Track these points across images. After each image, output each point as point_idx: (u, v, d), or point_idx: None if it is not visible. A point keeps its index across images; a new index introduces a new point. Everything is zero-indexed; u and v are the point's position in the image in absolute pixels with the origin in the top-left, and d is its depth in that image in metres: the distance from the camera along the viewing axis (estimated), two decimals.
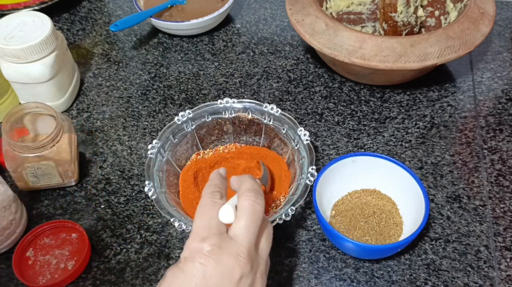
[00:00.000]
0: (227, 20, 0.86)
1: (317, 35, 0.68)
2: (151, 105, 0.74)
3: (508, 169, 0.64)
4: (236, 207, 0.44)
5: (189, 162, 0.64)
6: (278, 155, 0.64)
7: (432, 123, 0.69)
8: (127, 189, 0.64)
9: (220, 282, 0.41)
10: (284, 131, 0.62)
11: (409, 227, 0.56)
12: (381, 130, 0.69)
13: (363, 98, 0.73)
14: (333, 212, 0.59)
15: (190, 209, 0.59)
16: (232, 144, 0.66)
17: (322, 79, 0.76)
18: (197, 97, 0.75)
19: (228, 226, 0.44)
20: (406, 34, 0.73)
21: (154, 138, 0.61)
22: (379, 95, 0.74)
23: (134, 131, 0.71)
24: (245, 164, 0.64)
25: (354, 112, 0.72)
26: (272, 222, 0.54)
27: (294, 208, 0.54)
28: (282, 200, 0.60)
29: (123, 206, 0.63)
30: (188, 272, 0.41)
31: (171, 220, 0.54)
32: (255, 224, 0.43)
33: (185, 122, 0.63)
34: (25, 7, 0.84)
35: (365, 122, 0.70)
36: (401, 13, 0.70)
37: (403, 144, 0.67)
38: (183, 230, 0.53)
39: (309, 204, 0.61)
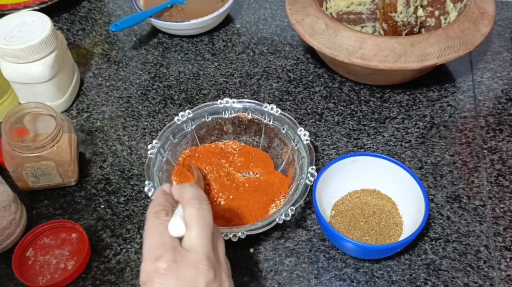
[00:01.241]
0: (227, 20, 0.86)
1: (317, 35, 0.68)
2: (151, 105, 0.74)
3: (508, 169, 0.64)
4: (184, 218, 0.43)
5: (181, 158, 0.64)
6: (266, 153, 0.64)
7: (432, 123, 0.69)
8: (127, 189, 0.64)
9: None
10: (284, 131, 0.62)
11: (409, 227, 0.56)
12: (381, 130, 0.69)
13: (363, 98, 0.73)
14: (333, 212, 0.59)
15: None
16: (232, 141, 0.67)
17: (322, 79, 0.76)
18: (197, 97, 0.75)
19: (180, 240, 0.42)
20: (406, 34, 0.73)
21: (154, 138, 0.61)
22: (379, 95, 0.74)
23: (134, 131, 0.71)
24: (244, 162, 0.64)
25: (354, 112, 0.72)
26: (272, 222, 0.54)
27: (294, 208, 0.54)
28: (282, 200, 0.60)
29: (123, 206, 0.63)
30: None
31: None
32: (207, 230, 0.42)
33: (185, 122, 0.63)
34: (25, 7, 0.84)
35: (365, 122, 0.70)
36: (401, 13, 0.70)
37: (403, 143, 0.67)
38: None
39: (309, 204, 0.61)
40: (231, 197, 0.60)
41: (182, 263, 0.40)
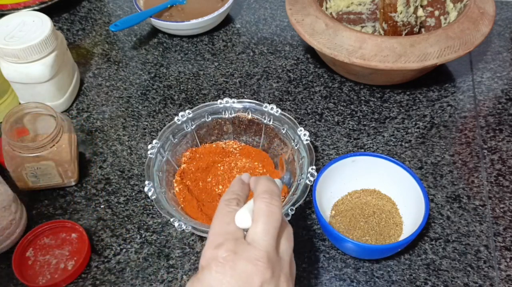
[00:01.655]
0: (227, 20, 0.86)
1: (317, 35, 0.68)
2: (151, 105, 0.74)
3: (508, 169, 0.64)
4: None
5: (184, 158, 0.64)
6: (266, 153, 0.65)
7: (432, 123, 0.69)
8: (127, 189, 0.64)
9: None
10: (284, 131, 0.62)
11: (409, 227, 0.56)
12: (381, 130, 0.69)
13: (363, 98, 0.73)
14: (333, 212, 0.59)
15: (189, 208, 0.59)
16: (233, 141, 0.67)
17: (322, 79, 0.76)
18: (197, 97, 0.75)
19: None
20: (406, 34, 0.73)
21: (154, 138, 0.61)
22: (379, 95, 0.74)
23: (134, 131, 0.71)
24: (246, 162, 0.64)
25: (354, 112, 0.72)
26: None
27: (294, 208, 0.54)
28: (282, 200, 0.60)
29: (123, 206, 0.63)
30: (205, 282, 0.39)
31: (171, 220, 0.54)
32: (273, 227, 0.41)
33: (185, 122, 0.63)
34: (25, 7, 0.84)
35: (365, 122, 0.70)
36: (401, 13, 0.70)
37: (403, 144, 0.67)
38: (183, 230, 0.53)
39: (309, 204, 0.61)
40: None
41: (241, 256, 0.39)
